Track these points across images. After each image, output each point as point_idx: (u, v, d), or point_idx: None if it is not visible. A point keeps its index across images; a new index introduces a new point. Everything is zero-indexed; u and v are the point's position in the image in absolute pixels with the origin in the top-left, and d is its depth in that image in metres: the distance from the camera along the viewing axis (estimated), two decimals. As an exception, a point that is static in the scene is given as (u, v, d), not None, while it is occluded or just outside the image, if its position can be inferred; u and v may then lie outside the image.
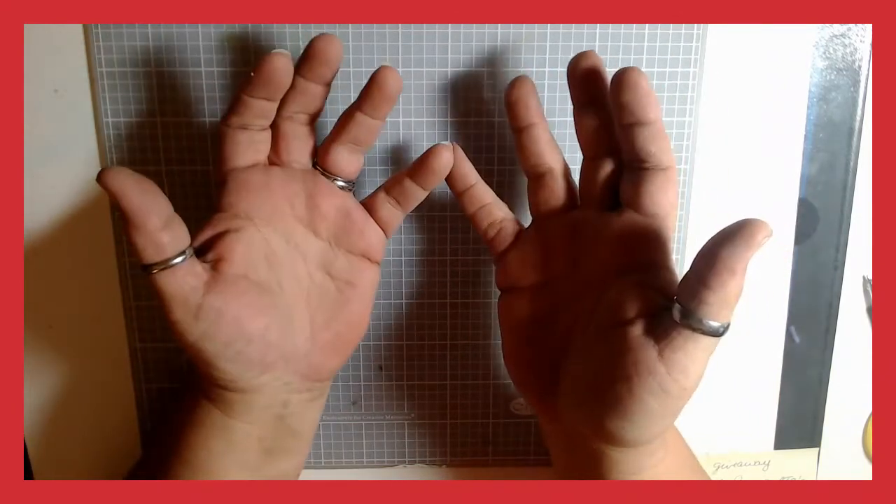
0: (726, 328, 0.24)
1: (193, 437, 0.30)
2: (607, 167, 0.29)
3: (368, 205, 0.31)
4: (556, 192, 0.30)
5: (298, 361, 0.30)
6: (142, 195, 0.25)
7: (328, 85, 0.29)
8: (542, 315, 0.31)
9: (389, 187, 0.31)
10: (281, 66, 0.27)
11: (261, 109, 0.28)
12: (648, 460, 0.28)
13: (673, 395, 0.25)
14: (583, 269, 0.29)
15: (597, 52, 0.32)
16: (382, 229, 0.31)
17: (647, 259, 0.28)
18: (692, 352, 0.25)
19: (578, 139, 0.30)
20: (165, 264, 0.26)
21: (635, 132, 0.27)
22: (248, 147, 0.29)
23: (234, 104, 0.28)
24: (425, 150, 0.30)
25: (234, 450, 0.30)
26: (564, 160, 0.31)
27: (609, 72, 0.33)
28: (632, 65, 0.33)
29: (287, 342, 0.30)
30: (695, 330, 0.24)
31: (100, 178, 0.25)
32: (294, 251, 0.30)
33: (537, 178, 0.30)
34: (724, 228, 0.24)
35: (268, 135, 0.30)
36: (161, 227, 0.26)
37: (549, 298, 0.30)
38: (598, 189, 0.29)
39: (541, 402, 0.31)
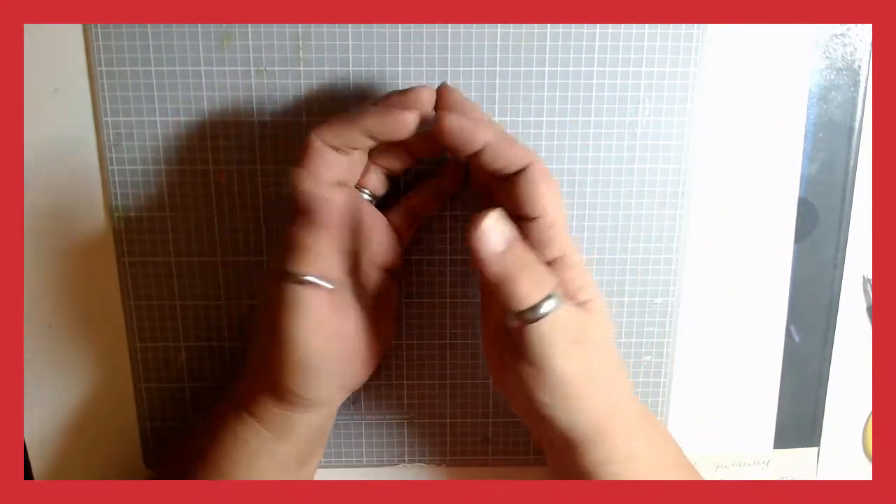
0: (541, 303, 0.26)
1: (237, 454, 0.30)
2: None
3: (391, 219, 0.32)
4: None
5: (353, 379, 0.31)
6: None
7: None
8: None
9: (410, 199, 0.32)
10: (410, 126, 0.27)
11: (362, 143, 0.28)
12: (615, 453, 0.29)
13: (551, 382, 0.26)
14: None
15: (596, 51, 0.33)
16: (401, 241, 0.32)
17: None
18: (536, 341, 0.26)
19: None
20: (300, 276, 0.27)
21: (479, 159, 0.27)
22: (336, 166, 0.29)
23: (340, 128, 0.28)
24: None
25: (276, 465, 0.31)
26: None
27: (609, 72, 0.33)
28: (631, 64, 0.33)
29: (358, 363, 0.31)
30: (524, 322, 0.26)
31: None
32: (349, 272, 0.30)
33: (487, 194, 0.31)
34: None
35: (352, 157, 0.29)
36: None
37: None
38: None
39: (513, 405, 0.31)
